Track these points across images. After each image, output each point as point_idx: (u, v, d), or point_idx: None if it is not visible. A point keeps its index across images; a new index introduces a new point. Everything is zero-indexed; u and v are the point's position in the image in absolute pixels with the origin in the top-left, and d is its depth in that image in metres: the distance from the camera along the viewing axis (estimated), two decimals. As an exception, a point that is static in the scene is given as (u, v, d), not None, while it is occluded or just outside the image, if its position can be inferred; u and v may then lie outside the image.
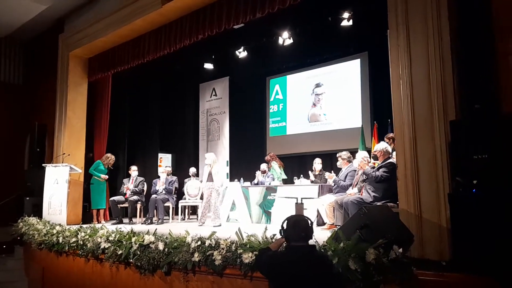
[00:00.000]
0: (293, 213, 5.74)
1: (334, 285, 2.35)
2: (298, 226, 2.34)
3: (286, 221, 2.41)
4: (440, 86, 3.06)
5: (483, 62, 3.04)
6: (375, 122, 6.71)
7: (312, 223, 2.42)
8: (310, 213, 5.44)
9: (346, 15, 6.51)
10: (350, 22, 6.57)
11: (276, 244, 2.64)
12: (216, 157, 6.54)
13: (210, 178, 6.18)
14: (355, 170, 5.16)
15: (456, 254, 2.68)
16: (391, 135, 5.73)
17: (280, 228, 2.46)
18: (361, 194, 4.50)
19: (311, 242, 2.43)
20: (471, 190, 2.55)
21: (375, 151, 4.53)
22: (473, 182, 2.54)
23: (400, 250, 2.54)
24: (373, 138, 6.49)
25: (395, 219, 3.04)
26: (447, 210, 2.89)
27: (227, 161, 9.19)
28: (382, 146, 4.45)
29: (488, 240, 2.42)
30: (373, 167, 4.50)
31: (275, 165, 7.48)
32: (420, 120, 3.16)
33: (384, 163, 4.31)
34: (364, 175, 4.48)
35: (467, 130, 2.71)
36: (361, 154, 4.82)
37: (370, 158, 4.97)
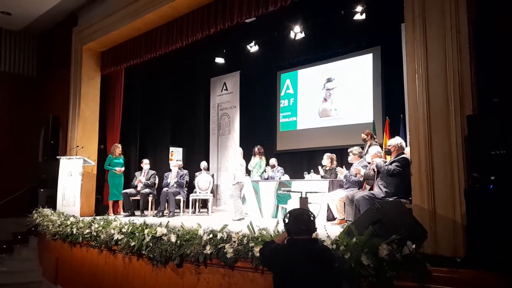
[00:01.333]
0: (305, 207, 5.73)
1: (334, 278, 2.36)
2: (299, 219, 2.37)
3: (288, 215, 2.45)
4: (457, 80, 3.00)
5: (502, 55, 2.97)
6: (387, 117, 6.62)
7: (314, 216, 2.43)
8: (319, 208, 5.41)
9: (359, 8, 6.41)
10: (363, 16, 6.47)
11: (282, 237, 2.67)
12: (235, 151, 6.59)
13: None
14: (366, 165, 5.12)
15: (471, 251, 2.64)
16: (367, 131, 5.86)
17: (283, 222, 2.49)
18: (369, 188, 4.47)
19: (317, 235, 2.43)
20: (488, 186, 2.50)
21: (389, 145, 4.48)
22: (490, 178, 2.48)
23: (414, 246, 2.51)
24: (384, 133, 6.42)
25: (408, 215, 3.01)
26: (462, 206, 2.84)
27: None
28: (397, 141, 4.39)
29: (504, 238, 2.37)
30: (386, 162, 4.45)
31: (255, 160, 7.45)
32: (436, 115, 3.10)
33: (397, 157, 4.26)
34: (373, 171, 4.45)
35: (484, 124, 2.65)
36: (375, 149, 4.78)
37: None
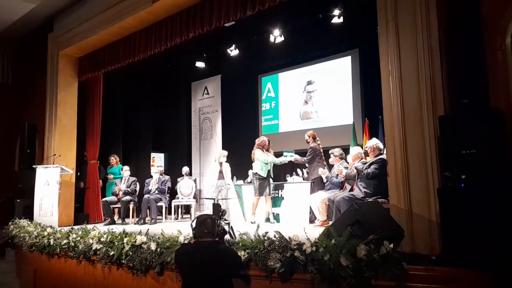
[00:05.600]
0: (293, 211, 5.78)
1: (227, 275, 2.69)
2: (203, 224, 2.70)
3: (195, 220, 2.75)
4: (429, 82, 3.08)
5: (472, 57, 3.06)
6: (366, 118, 6.75)
7: (219, 221, 2.79)
8: (300, 211, 5.57)
9: (336, 12, 6.52)
10: (341, 19, 6.59)
11: (194, 241, 2.92)
12: (224, 154, 6.55)
13: (221, 176, 6.22)
14: (347, 167, 5.18)
15: (446, 248, 2.70)
16: (311, 132, 6.12)
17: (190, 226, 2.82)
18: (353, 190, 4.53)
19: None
20: (459, 185, 2.57)
21: (366, 147, 4.56)
22: (461, 177, 2.55)
23: (391, 245, 2.55)
24: (364, 134, 6.53)
25: (386, 215, 3.06)
26: (436, 205, 2.90)
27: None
28: (373, 142, 4.47)
29: (476, 234, 2.43)
30: (365, 163, 4.52)
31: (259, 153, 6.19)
32: (410, 116, 3.18)
33: (374, 159, 4.34)
34: (355, 170, 4.52)
35: (455, 125, 2.73)
36: (355, 150, 4.87)
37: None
